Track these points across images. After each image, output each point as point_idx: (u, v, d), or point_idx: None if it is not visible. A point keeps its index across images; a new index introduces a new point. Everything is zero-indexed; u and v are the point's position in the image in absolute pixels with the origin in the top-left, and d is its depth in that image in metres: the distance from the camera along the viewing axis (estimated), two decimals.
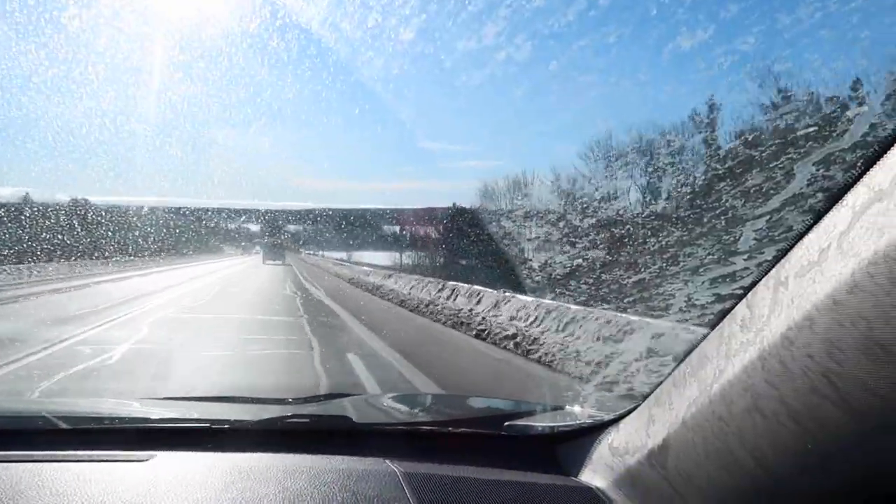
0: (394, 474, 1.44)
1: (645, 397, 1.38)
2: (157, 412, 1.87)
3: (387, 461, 1.50)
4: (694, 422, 1.08)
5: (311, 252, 61.33)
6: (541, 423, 1.75)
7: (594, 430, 1.55)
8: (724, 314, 1.08)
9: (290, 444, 1.58)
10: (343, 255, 51.36)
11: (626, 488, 1.34)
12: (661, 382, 1.31)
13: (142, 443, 1.53)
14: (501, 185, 33.18)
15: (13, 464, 1.40)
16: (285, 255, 52.67)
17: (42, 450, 1.48)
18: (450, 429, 1.78)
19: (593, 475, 1.46)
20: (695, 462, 1.09)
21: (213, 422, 1.65)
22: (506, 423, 1.74)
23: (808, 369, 0.81)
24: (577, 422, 1.64)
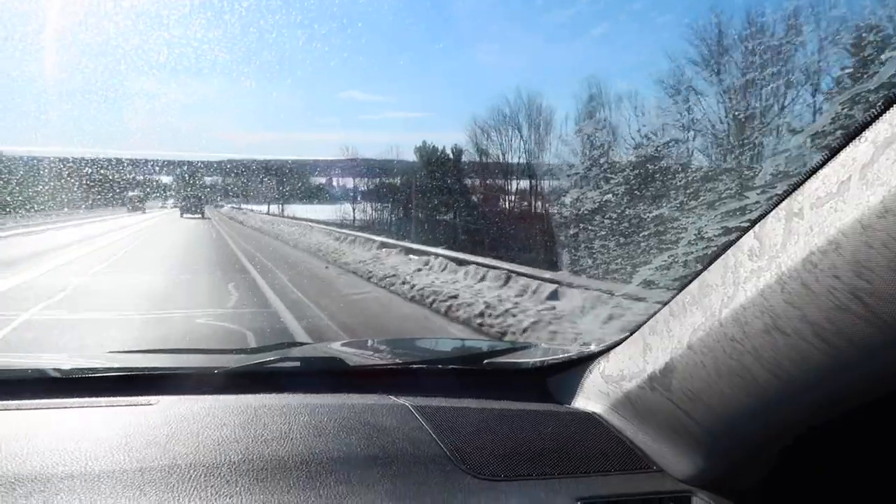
0: (404, 407, 1.49)
1: (632, 331, 1.45)
2: (143, 360, 1.89)
3: (391, 397, 1.55)
4: (702, 345, 1.14)
5: (235, 206, 58.65)
6: (527, 358, 1.82)
7: (582, 362, 1.62)
8: (727, 246, 1.14)
9: (288, 385, 1.60)
10: (268, 208, 49.47)
11: (624, 411, 1.41)
12: (653, 314, 1.37)
13: (141, 389, 1.52)
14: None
15: (18, 411, 1.40)
16: (204, 210, 50.49)
17: (43, 398, 1.47)
18: (439, 366, 1.83)
19: (587, 402, 1.54)
20: (705, 382, 1.15)
21: (203, 369, 1.67)
22: (485, 361, 1.82)
23: (834, 289, 0.88)
24: (566, 355, 1.70)
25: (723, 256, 1.14)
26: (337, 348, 2.16)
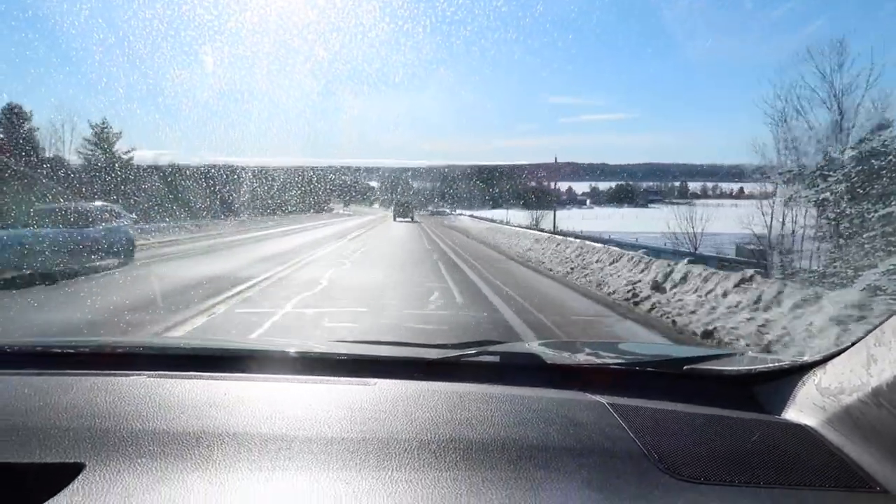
0: (600, 404, 1.49)
1: (854, 342, 1.34)
2: (363, 349, 2.11)
3: (586, 394, 1.57)
4: None
5: (448, 211, 60.63)
6: (732, 366, 1.75)
7: (794, 372, 1.53)
8: None
9: (489, 377, 1.70)
10: (496, 213, 49.15)
11: (842, 427, 1.31)
12: (879, 324, 1.27)
13: (362, 371, 1.72)
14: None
15: (265, 383, 1.64)
16: (413, 214, 53.35)
17: (286, 374, 1.74)
18: (636, 368, 1.81)
19: (799, 414, 1.44)
20: None
21: (414, 358, 1.85)
22: (685, 367, 1.75)
23: None
24: (776, 364, 1.61)
25: None
26: (534, 347, 2.21)
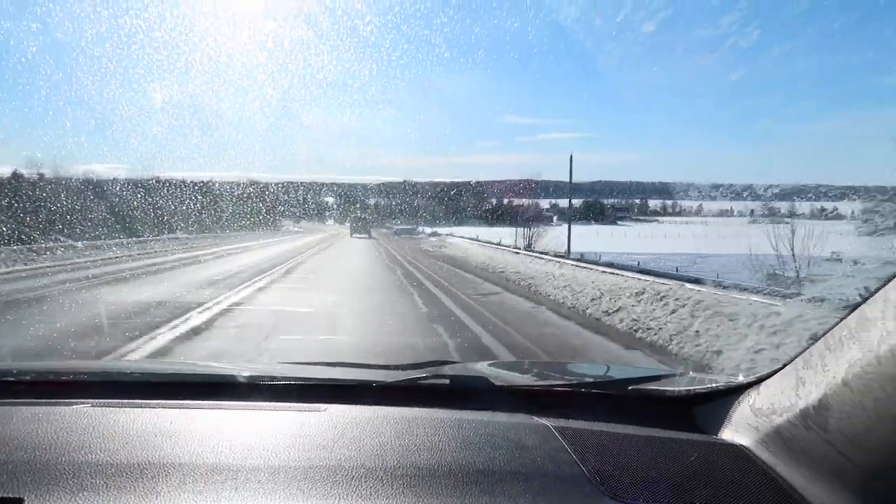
0: (546, 428, 1.54)
1: (785, 363, 1.41)
2: (315, 371, 2.09)
3: (534, 417, 1.62)
4: (859, 382, 1.09)
5: (406, 228, 56.09)
6: (672, 386, 1.81)
7: (731, 392, 1.59)
8: (889, 279, 1.08)
9: (439, 400, 1.74)
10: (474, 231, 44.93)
11: (774, 447, 1.36)
12: (807, 347, 1.33)
13: (313, 397, 1.73)
14: None
15: (213, 410, 1.65)
16: (370, 230, 50.55)
17: (235, 400, 1.73)
18: (582, 390, 1.86)
19: (735, 434, 1.50)
20: (864, 425, 1.09)
21: (364, 381, 1.85)
22: (630, 388, 1.83)
23: None
24: (713, 385, 1.67)
25: (883, 289, 1.10)
26: (484, 368, 2.27)
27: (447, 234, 42.69)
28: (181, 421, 1.53)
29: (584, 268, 15.05)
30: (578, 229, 43.37)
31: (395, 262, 22.63)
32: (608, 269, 14.09)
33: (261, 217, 50.96)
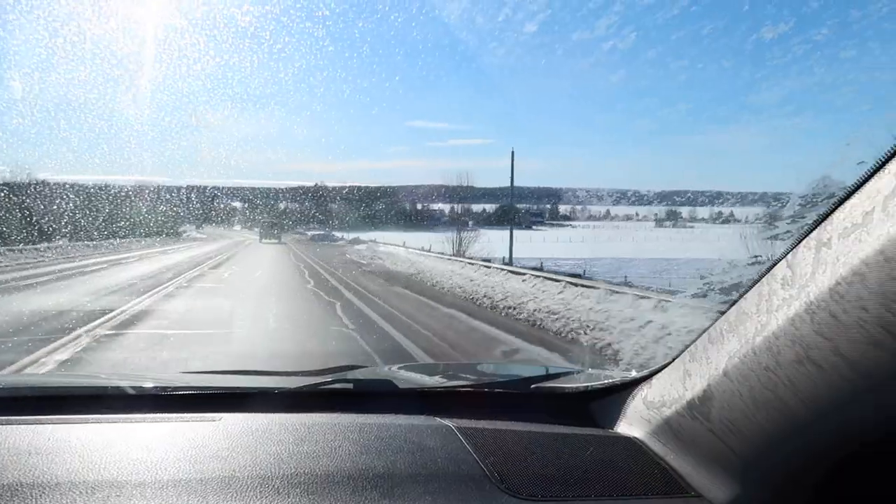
0: (449, 429, 1.55)
1: (674, 357, 1.48)
2: (213, 380, 2.01)
3: (437, 418, 1.62)
4: (738, 373, 1.16)
5: (323, 234, 53.13)
6: (571, 383, 1.86)
7: (625, 387, 1.66)
8: (762, 275, 1.15)
9: (342, 405, 1.70)
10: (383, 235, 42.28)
11: (664, 437, 1.43)
12: (693, 341, 1.40)
13: (208, 406, 1.65)
14: None
15: (98, 424, 1.54)
16: (281, 236, 48.55)
17: (121, 413, 1.62)
18: (486, 389, 1.89)
19: (630, 427, 1.57)
20: (742, 412, 1.16)
21: (264, 389, 1.82)
22: (532, 386, 1.87)
23: (864, 321, 0.88)
24: (609, 380, 1.73)
25: (758, 284, 1.15)
26: (390, 371, 2.25)
27: (370, 241, 39.94)
28: (60, 437, 1.44)
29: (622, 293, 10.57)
30: (498, 234, 42.73)
31: (326, 287, 14.72)
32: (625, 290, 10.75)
33: (160, 223, 47.17)
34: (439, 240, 35.78)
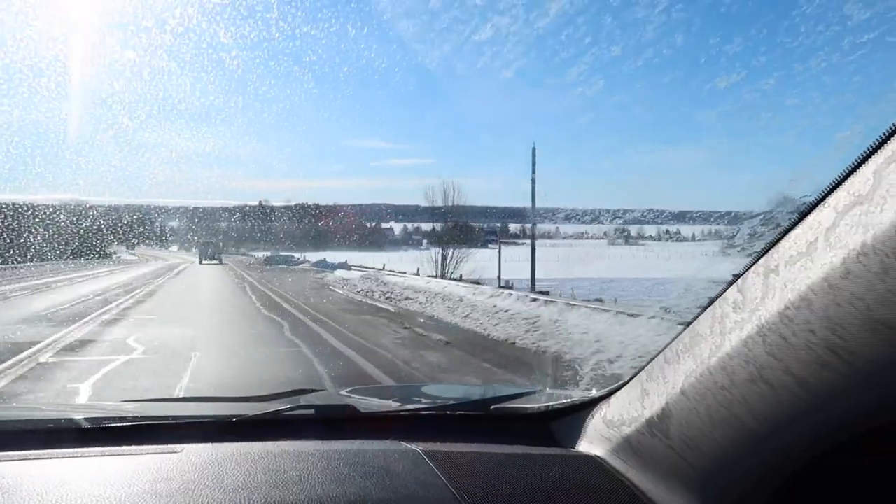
0: (415, 453, 1.56)
1: (632, 376, 1.51)
2: (167, 408, 1.95)
3: (402, 443, 1.63)
4: (694, 392, 1.20)
5: (280, 256, 48.98)
6: (532, 403, 1.88)
7: (584, 406, 1.68)
8: (714, 299, 1.20)
9: (304, 432, 1.68)
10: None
11: (625, 455, 1.46)
12: (650, 360, 1.43)
13: (167, 437, 1.60)
14: None
15: (51, 460, 1.47)
16: (221, 257, 45.29)
17: (74, 447, 1.55)
18: (447, 412, 1.90)
19: (590, 446, 1.60)
20: (699, 430, 1.20)
21: (224, 417, 1.76)
22: (492, 407, 1.89)
23: (812, 343, 0.94)
24: (569, 400, 1.76)
25: (711, 307, 1.20)
26: (349, 395, 2.21)
27: (340, 264, 34.64)
28: (12, 474, 1.37)
29: None
30: (457, 253, 40.59)
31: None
32: None
33: (84, 244, 43.07)
34: (411, 259, 33.52)
